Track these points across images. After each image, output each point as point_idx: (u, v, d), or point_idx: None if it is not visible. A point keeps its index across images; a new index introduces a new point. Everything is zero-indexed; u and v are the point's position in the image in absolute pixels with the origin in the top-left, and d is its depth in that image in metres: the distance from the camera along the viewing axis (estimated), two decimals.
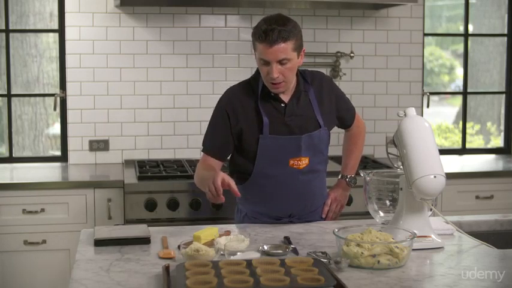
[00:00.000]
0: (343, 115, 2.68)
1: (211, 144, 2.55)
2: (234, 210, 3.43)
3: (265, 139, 2.46)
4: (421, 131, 2.19)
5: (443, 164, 2.15)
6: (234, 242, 2.08)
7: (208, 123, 2.60)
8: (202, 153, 2.59)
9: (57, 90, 4.08)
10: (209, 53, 4.09)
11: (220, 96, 2.59)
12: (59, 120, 4.11)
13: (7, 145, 4.09)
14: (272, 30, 2.32)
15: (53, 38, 4.15)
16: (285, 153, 2.47)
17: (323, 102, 2.56)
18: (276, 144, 2.46)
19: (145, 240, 2.19)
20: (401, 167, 2.25)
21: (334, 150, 3.25)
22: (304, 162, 2.50)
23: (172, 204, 3.36)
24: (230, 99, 2.53)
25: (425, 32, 4.43)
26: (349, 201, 3.49)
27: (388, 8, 4.19)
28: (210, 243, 2.05)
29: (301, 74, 2.55)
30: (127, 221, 3.35)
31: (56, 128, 4.19)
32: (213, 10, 4.07)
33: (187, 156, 4.07)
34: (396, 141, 2.25)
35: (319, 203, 2.66)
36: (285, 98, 2.50)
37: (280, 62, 2.35)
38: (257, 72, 2.53)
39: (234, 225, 2.55)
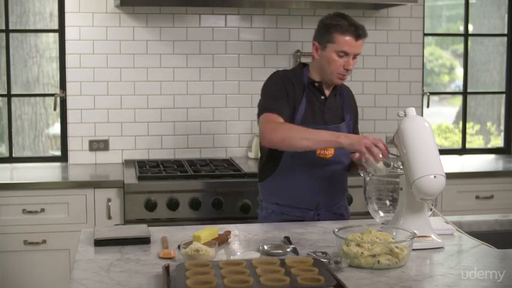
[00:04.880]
0: (355, 129, 2.82)
1: (276, 103, 2.57)
2: (234, 209, 3.44)
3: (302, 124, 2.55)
4: (421, 131, 2.19)
5: (443, 164, 2.15)
6: None
7: (263, 94, 2.65)
8: (265, 113, 2.56)
9: (57, 90, 4.08)
10: (209, 53, 4.09)
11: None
12: (59, 120, 4.11)
13: (7, 145, 4.09)
14: (358, 26, 2.56)
15: (53, 38, 4.15)
16: None
17: (350, 105, 2.79)
18: None
19: (145, 240, 2.19)
20: (401, 167, 2.25)
21: None
22: (330, 152, 2.60)
23: (172, 204, 3.36)
24: (285, 76, 2.64)
25: (425, 32, 4.43)
26: (349, 201, 3.49)
27: (388, 8, 4.19)
28: (210, 243, 2.05)
29: None
30: (127, 221, 3.35)
31: (56, 128, 4.19)
32: (213, 10, 4.07)
33: (187, 156, 4.07)
34: (396, 141, 2.25)
35: (342, 196, 2.76)
36: (326, 92, 2.68)
37: (354, 56, 2.57)
38: (298, 66, 2.72)
39: (233, 225, 2.55)
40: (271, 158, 2.66)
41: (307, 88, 2.64)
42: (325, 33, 2.58)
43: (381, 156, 2.28)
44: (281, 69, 2.79)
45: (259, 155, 3.96)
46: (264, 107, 2.60)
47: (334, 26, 2.56)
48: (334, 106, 2.70)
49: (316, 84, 2.65)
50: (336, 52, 2.55)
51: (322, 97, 2.66)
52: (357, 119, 2.85)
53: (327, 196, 2.67)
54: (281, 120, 2.52)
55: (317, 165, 2.61)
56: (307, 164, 2.60)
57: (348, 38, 2.53)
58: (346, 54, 2.55)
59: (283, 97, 2.58)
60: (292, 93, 2.60)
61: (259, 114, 2.60)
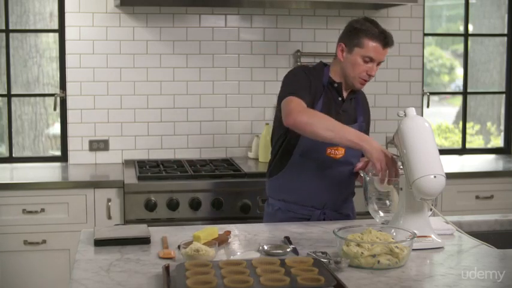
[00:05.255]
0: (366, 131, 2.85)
1: (300, 90, 2.56)
2: (234, 209, 3.44)
3: None
4: (421, 131, 2.19)
5: (443, 164, 2.15)
6: None
7: (287, 82, 2.63)
8: (289, 96, 2.52)
9: (57, 90, 4.08)
10: (209, 53, 4.09)
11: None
12: (59, 120, 4.11)
13: (7, 145, 4.09)
14: (387, 35, 2.59)
15: (53, 38, 4.15)
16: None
17: (364, 108, 2.83)
18: None
19: (145, 240, 2.19)
20: (401, 167, 2.25)
21: None
22: (340, 152, 2.61)
23: (172, 204, 3.36)
24: (308, 71, 2.65)
25: (425, 32, 4.43)
26: None
27: (388, 8, 4.19)
28: (210, 243, 2.05)
29: None
30: (127, 221, 3.35)
31: (56, 128, 4.19)
32: (213, 10, 4.07)
33: (187, 156, 4.07)
34: (396, 141, 2.25)
35: (349, 197, 2.76)
36: (344, 94, 2.70)
37: (378, 63, 2.60)
38: (319, 65, 2.71)
39: (233, 225, 2.55)
40: (283, 154, 2.67)
41: (326, 88, 2.65)
42: (353, 36, 2.58)
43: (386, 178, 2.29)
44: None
45: (259, 155, 3.99)
46: (288, 91, 2.56)
47: (364, 31, 2.57)
48: (349, 109, 2.72)
49: (336, 85, 2.66)
50: (361, 57, 2.57)
51: (340, 99, 2.67)
52: (369, 123, 2.88)
53: (334, 196, 2.67)
54: (304, 105, 2.51)
55: (326, 164, 2.62)
56: (316, 163, 2.61)
57: (376, 44, 2.55)
58: (371, 60, 2.56)
59: (306, 87, 2.58)
60: (314, 88, 2.61)
61: (280, 100, 2.57)
